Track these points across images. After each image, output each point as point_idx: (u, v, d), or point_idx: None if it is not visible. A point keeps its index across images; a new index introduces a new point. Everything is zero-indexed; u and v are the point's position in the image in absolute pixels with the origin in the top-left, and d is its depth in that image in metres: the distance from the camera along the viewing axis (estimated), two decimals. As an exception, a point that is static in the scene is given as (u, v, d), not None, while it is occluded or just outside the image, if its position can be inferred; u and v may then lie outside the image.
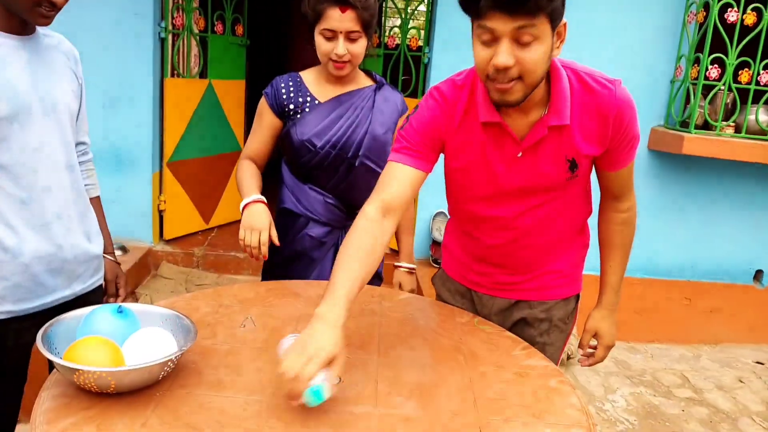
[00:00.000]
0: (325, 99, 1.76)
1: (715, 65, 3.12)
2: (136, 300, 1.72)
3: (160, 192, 3.65)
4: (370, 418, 1.12)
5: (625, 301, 3.59)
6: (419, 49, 3.64)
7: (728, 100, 3.17)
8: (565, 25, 1.21)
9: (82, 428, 1.00)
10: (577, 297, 1.66)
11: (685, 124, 3.22)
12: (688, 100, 3.22)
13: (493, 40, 1.16)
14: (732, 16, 3.05)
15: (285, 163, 1.86)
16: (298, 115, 1.75)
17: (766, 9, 3.02)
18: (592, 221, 1.63)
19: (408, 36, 3.63)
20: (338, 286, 1.17)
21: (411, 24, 3.63)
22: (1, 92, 1.30)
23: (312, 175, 1.80)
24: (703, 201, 3.49)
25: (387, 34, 3.74)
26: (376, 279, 1.94)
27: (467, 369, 1.32)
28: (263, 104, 1.79)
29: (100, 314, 1.18)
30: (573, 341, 3.19)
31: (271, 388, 1.17)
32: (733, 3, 3.03)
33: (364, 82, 1.82)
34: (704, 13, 3.13)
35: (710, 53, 3.08)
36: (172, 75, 3.58)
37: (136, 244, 3.52)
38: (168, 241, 3.75)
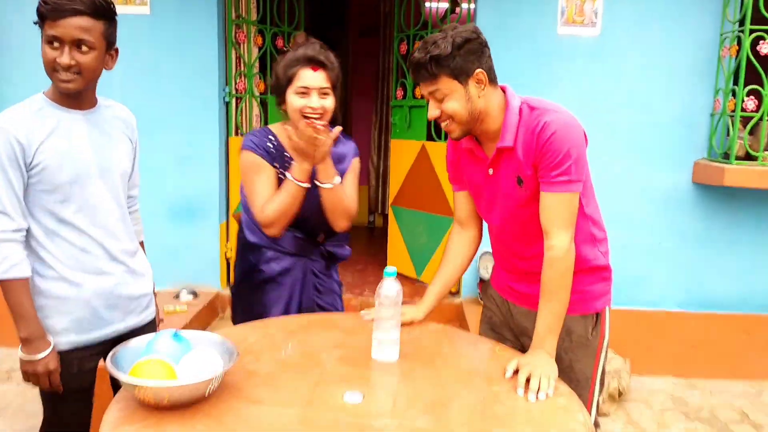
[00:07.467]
0: None
1: (751, 97, 3.15)
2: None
3: (227, 240, 3.96)
4: (386, 429, 1.27)
5: (681, 335, 3.56)
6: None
7: (770, 130, 3.19)
8: (482, 72, 1.55)
9: (142, 434, 1.21)
10: (596, 316, 1.73)
11: (727, 156, 3.24)
12: (729, 133, 3.25)
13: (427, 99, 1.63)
14: (765, 48, 3.09)
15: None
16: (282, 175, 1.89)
17: (799, 40, 3.06)
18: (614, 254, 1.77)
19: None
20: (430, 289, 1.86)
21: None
22: (66, 161, 1.58)
23: None
24: (753, 231, 3.45)
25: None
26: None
27: (482, 388, 1.46)
28: (257, 159, 1.89)
29: (161, 338, 1.40)
30: (624, 376, 3.20)
31: (303, 402, 1.35)
32: (766, 36, 3.08)
33: None
34: (737, 47, 3.18)
35: (746, 85, 3.12)
36: (236, 134, 3.93)
37: (206, 289, 3.82)
38: (234, 286, 4.03)
